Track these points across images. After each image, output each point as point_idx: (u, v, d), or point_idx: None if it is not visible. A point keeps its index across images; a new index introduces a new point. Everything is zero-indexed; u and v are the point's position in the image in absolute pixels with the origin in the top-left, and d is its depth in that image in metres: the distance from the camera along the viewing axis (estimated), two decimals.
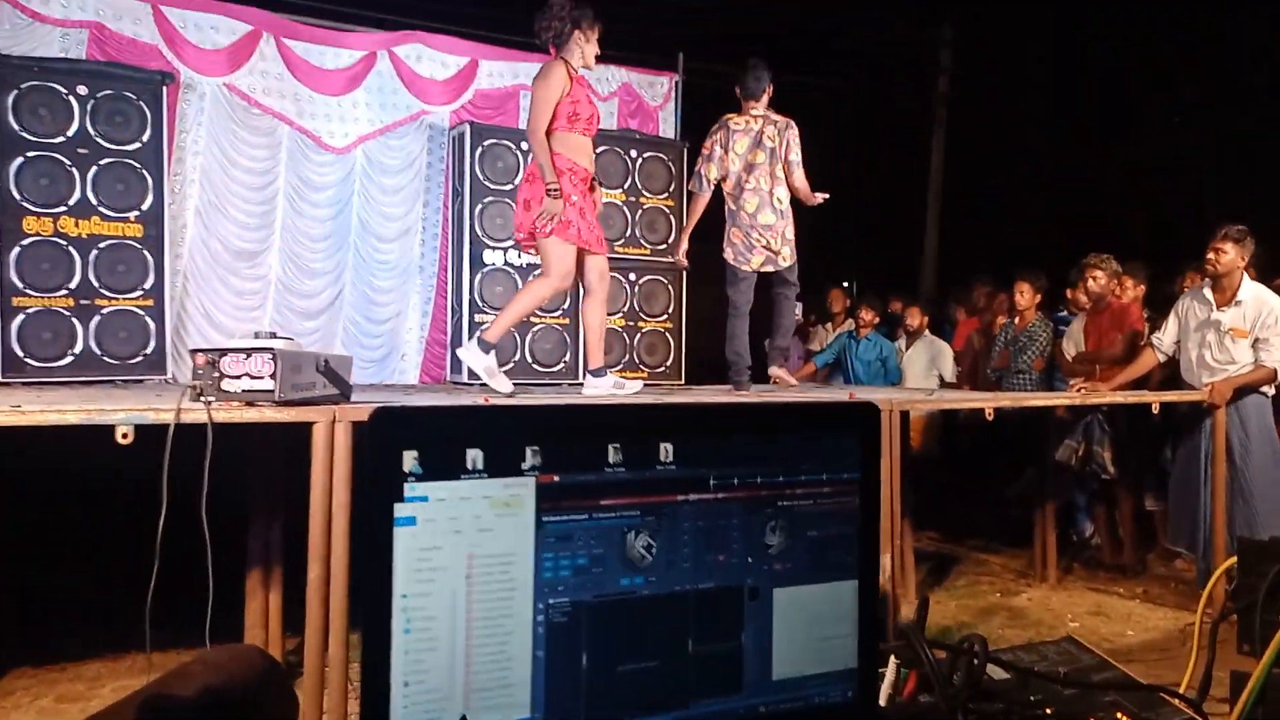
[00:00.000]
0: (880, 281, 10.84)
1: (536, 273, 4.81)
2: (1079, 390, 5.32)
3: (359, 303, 6.45)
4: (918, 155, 14.09)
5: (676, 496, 0.83)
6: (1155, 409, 5.17)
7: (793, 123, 5.31)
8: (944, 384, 7.39)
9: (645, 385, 6.62)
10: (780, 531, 0.88)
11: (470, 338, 6.06)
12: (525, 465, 0.77)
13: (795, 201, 5.37)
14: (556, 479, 0.78)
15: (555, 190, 4.30)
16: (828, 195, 5.36)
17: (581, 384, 6.31)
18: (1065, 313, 7.10)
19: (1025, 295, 6.55)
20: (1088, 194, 14.11)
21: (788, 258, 5.35)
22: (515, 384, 5.46)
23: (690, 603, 0.84)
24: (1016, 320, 6.68)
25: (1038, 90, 14.83)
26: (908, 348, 7.64)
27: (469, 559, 0.75)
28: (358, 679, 0.73)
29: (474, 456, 0.75)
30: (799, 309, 7.79)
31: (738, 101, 5.43)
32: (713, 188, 5.35)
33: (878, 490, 0.93)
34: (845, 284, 8.87)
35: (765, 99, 5.36)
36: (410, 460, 0.73)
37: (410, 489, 0.73)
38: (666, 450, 0.83)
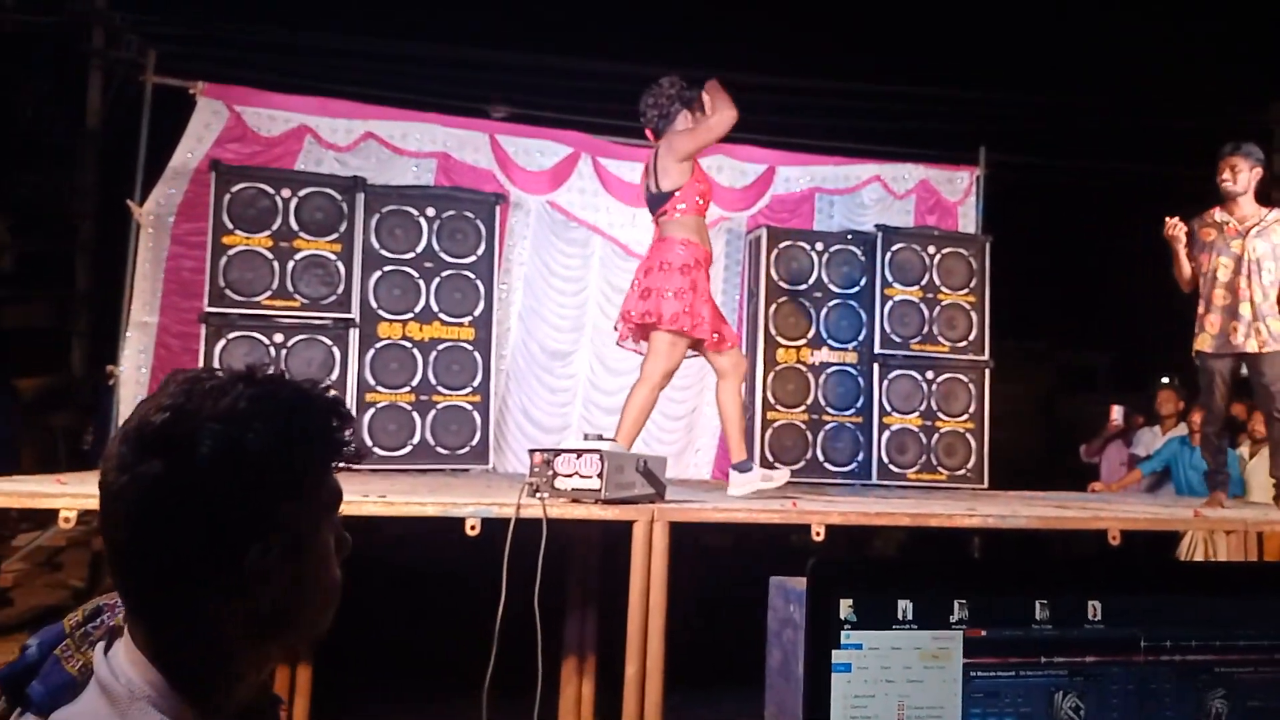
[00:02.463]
0: None
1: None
2: None
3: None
4: None
5: (1106, 657, 0.80)
6: None
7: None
8: None
9: (944, 488, 6.37)
10: (1219, 700, 0.82)
11: (762, 434, 6.20)
12: (953, 618, 0.78)
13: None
14: (984, 633, 0.78)
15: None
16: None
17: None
18: None
19: None
20: None
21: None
22: (809, 483, 5.45)
23: None
24: None
25: None
26: (1251, 456, 6.78)
27: (900, 709, 0.76)
28: None
29: (904, 607, 0.77)
30: (1116, 412, 7.18)
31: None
32: None
33: None
34: (1165, 380, 8.05)
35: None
36: (846, 608, 0.76)
37: (846, 636, 0.76)
38: (1095, 609, 0.80)
